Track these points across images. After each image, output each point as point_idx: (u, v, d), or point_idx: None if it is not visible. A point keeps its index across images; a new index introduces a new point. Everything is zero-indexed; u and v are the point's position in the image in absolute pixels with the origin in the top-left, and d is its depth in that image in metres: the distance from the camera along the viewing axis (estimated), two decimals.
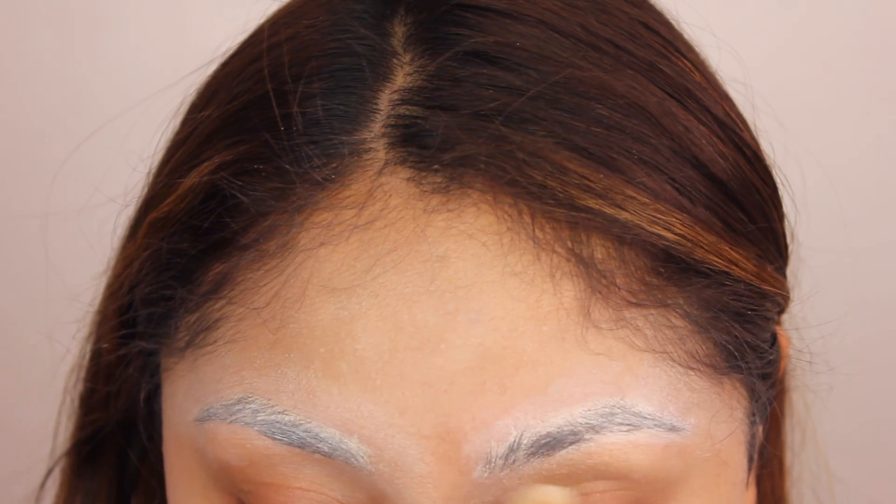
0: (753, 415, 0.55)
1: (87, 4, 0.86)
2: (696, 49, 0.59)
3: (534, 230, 0.48)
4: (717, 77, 0.59)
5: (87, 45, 0.85)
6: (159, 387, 0.57)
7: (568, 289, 0.48)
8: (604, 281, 0.49)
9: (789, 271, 0.64)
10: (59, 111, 0.85)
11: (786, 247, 0.58)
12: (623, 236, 0.49)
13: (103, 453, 0.64)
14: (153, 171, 0.57)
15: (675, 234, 0.49)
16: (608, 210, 0.48)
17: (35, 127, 0.85)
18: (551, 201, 0.48)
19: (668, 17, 0.58)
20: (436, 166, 0.49)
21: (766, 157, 0.58)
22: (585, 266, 0.48)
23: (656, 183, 0.50)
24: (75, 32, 0.85)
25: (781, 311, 0.58)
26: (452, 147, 0.48)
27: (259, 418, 0.49)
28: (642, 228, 0.49)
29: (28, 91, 0.86)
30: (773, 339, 0.56)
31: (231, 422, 0.50)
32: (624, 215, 0.48)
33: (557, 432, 0.48)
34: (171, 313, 0.53)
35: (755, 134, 0.59)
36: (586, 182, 0.48)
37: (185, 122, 0.56)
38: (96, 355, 0.61)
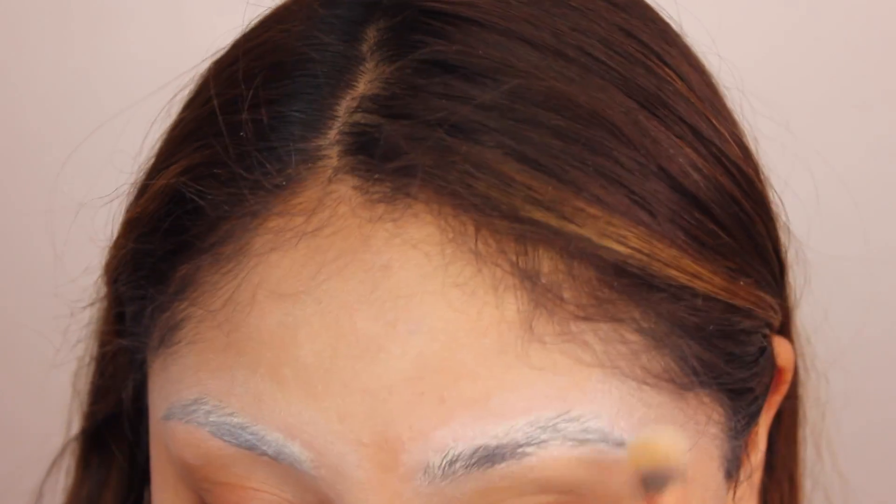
0: (732, 429, 0.54)
1: (87, 4, 0.88)
2: (695, 56, 0.57)
3: (476, 242, 0.48)
4: (713, 83, 0.57)
5: (87, 44, 0.86)
6: (145, 382, 0.58)
7: (510, 302, 0.48)
8: (549, 294, 0.48)
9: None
10: (59, 110, 0.86)
11: (778, 260, 0.57)
12: (570, 249, 0.48)
13: (110, 443, 0.65)
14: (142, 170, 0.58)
15: (630, 247, 0.49)
16: (554, 222, 0.48)
17: (35, 126, 0.87)
18: (494, 213, 0.48)
19: (664, 21, 0.57)
20: (378, 175, 0.49)
21: (758, 170, 0.56)
22: (529, 280, 0.48)
23: (611, 195, 0.49)
24: (75, 32, 0.86)
25: (768, 324, 0.56)
26: (397, 156, 0.48)
27: (211, 419, 0.50)
28: (590, 241, 0.48)
29: (28, 90, 0.87)
30: (761, 352, 0.55)
31: (187, 422, 0.51)
32: (570, 227, 0.48)
33: (496, 445, 0.48)
34: (146, 312, 0.54)
35: (755, 142, 0.57)
36: (532, 194, 0.48)
37: (172, 124, 0.57)
38: (95, 350, 0.63)
